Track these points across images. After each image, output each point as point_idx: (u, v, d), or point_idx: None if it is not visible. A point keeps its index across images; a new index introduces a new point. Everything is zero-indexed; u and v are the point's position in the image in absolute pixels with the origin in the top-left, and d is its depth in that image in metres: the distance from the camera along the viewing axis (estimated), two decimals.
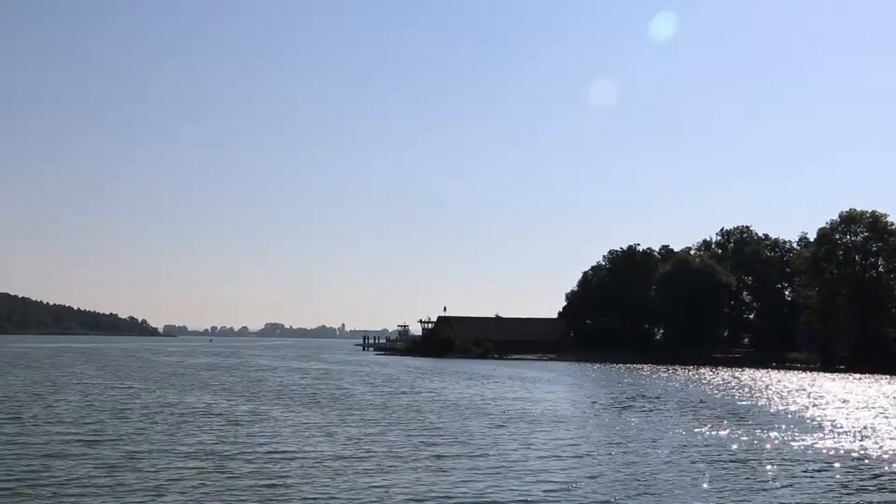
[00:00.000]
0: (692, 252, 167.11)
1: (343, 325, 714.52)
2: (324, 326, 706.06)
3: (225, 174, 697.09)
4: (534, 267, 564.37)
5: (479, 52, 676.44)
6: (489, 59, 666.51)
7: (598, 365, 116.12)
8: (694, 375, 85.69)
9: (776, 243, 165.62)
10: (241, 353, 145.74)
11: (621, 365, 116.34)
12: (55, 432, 26.81)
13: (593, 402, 46.26)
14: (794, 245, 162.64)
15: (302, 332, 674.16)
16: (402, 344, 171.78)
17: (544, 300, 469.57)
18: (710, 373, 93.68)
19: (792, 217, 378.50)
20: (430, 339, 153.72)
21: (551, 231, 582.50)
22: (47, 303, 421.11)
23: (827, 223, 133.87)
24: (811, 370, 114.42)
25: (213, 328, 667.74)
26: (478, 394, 50.63)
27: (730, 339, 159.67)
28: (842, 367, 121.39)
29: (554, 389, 57.67)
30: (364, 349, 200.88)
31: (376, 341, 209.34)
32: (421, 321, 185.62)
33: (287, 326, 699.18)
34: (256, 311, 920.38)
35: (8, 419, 30.27)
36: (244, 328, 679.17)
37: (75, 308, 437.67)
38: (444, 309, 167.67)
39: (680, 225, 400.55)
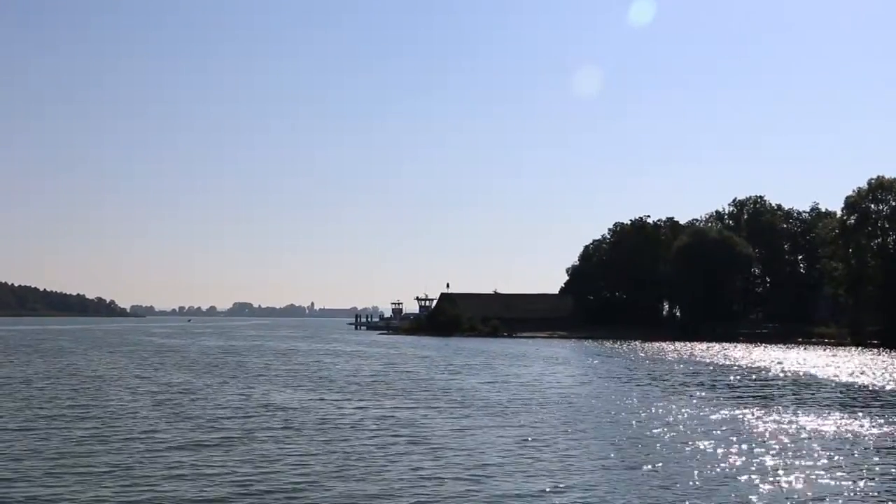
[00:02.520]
0: (699, 224, 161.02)
1: (312, 304, 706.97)
2: (293, 305, 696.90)
3: (190, 154, 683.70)
4: (521, 243, 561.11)
5: (471, 32, 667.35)
6: (477, 42, 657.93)
7: (628, 343, 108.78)
8: (764, 355, 78.66)
9: (789, 214, 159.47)
10: (236, 334, 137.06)
11: (649, 343, 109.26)
12: (214, 475, 18.71)
13: (730, 386, 38.94)
14: (806, 215, 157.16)
15: (271, 311, 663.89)
16: (404, 322, 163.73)
17: (534, 276, 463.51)
18: (775, 351, 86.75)
19: (792, 189, 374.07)
20: (436, 316, 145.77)
21: (542, 208, 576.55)
22: (11, 284, 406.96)
23: (854, 191, 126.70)
24: (843, 345, 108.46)
25: (181, 308, 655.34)
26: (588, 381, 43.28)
27: (741, 313, 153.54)
28: (874, 342, 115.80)
29: (657, 373, 50.42)
30: (357, 328, 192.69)
31: (369, 320, 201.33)
32: (418, 298, 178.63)
33: (256, 306, 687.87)
34: (223, 291, 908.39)
35: (104, 443, 22.09)
36: (212, 307, 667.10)
37: (41, 289, 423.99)
38: (447, 286, 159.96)
39: (674, 198, 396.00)
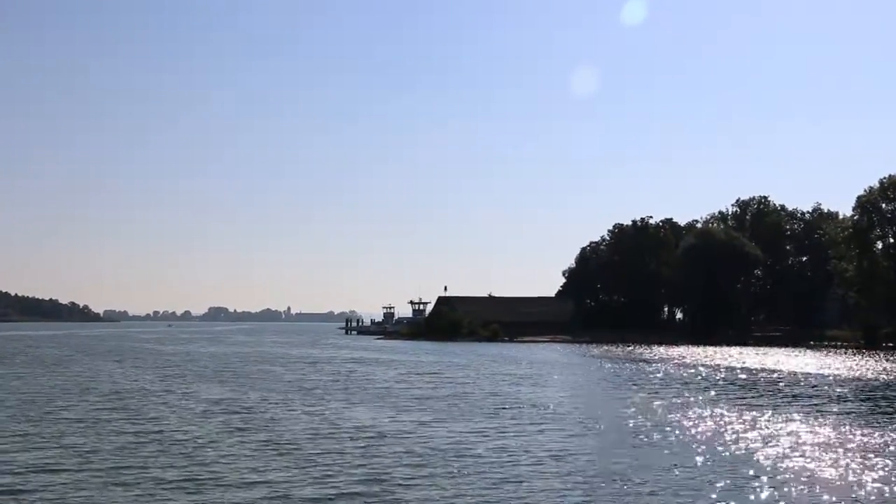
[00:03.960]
0: (698, 225, 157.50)
1: (289, 308, 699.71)
2: (269, 310, 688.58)
3: (163, 157, 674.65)
4: (509, 246, 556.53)
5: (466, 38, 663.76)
6: (470, 41, 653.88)
7: (644, 347, 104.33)
8: (816, 360, 74.45)
9: (792, 214, 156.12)
10: (231, 340, 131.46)
11: (666, 347, 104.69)
12: None
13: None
14: (808, 216, 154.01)
15: (247, 316, 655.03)
16: (401, 327, 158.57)
17: (523, 279, 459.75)
18: (820, 356, 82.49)
19: (790, 190, 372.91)
20: (435, 321, 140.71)
21: (531, 210, 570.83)
22: None
23: (865, 190, 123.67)
24: (858, 348, 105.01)
25: (156, 312, 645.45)
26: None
27: (747, 316, 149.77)
28: (889, 344, 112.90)
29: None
30: (347, 332, 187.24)
31: (359, 324, 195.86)
32: (412, 302, 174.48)
33: (231, 310, 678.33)
34: (196, 295, 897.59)
35: (206, 495, 17.13)
36: (187, 312, 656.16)
37: (13, 294, 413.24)
38: (445, 289, 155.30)
39: (666, 199, 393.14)
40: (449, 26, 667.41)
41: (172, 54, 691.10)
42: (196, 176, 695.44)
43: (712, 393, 38.83)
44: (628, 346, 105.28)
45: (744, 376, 51.08)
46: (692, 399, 35.45)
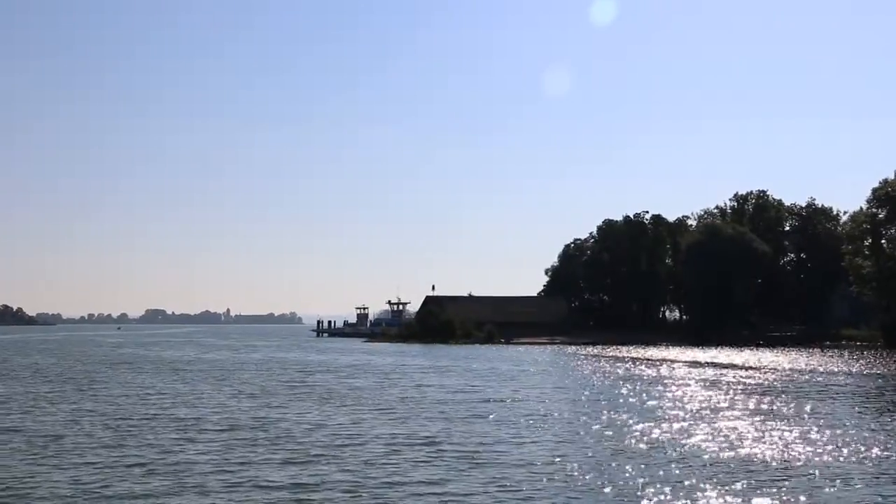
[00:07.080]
0: (689, 221, 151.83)
1: (228, 310, 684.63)
2: (208, 311, 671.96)
3: (94, 156, 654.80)
4: (457, 247, 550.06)
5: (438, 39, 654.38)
6: (447, 43, 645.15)
7: (665, 348, 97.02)
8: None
9: (790, 210, 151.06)
10: (205, 344, 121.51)
11: (688, 349, 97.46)
12: None
13: None
14: (803, 211, 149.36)
15: (185, 318, 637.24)
16: (389, 328, 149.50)
17: (492, 278, 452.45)
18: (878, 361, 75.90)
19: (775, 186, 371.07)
20: (429, 322, 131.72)
21: (497, 210, 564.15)
22: None
23: (881, 182, 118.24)
24: (879, 348, 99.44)
25: (91, 315, 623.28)
26: None
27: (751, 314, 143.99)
28: None
29: None
30: (319, 335, 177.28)
31: (331, 326, 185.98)
32: (390, 302, 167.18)
33: (169, 312, 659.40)
34: (130, 297, 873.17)
35: None
36: (123, 315, 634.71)
37: None
38: (433, 288, 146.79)
39: (649, 197, 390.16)
40: (421, 25, 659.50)
41: (119, 56, 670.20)
42: (130, 176, 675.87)
43: None
44: (645, 349, 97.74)
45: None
46: None
